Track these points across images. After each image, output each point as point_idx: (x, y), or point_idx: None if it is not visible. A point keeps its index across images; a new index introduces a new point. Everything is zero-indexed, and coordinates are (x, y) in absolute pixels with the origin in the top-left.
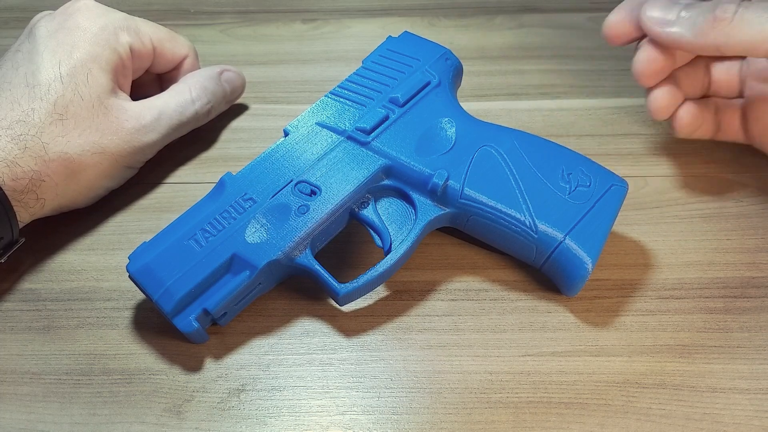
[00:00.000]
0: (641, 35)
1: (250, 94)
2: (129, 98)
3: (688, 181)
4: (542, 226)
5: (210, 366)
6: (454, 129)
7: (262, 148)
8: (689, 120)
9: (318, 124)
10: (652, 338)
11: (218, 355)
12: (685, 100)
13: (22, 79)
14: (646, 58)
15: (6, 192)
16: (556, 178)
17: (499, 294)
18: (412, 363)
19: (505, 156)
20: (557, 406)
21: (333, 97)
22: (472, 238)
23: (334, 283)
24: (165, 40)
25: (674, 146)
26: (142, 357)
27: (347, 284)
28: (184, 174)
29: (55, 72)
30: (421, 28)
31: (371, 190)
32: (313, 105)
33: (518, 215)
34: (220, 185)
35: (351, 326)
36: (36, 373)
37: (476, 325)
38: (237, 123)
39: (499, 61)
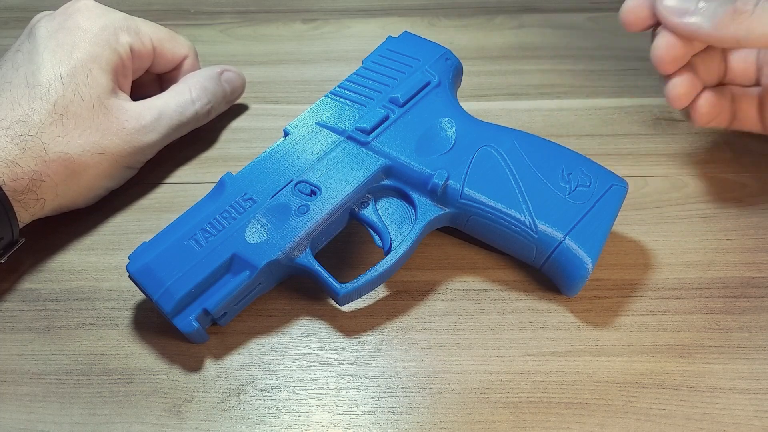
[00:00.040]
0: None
1: (250, 94)
2: (129, 98)
3: (688, 181)
4: (542, 226)
5: (210, 366)
6: (454, 129)
7: (262, 148)
8: (708, 109)
9: (318, 124)
10: (652, 338)
11: (218, 355)
12: (704, 88)
13: (23, 79)
14: (665, 44)
15: (6, 192)
16: (556, 178)
17: (499, 294)
18: (412, 363)
19: (505, 156)
20: (557, 406)
21: (333, 97)
22: (472, 238)
23: (334, 283)
24: (165, 40)
25: (674, 146)
26: (142, 357)
27: (347, 284)
28: (184, 174)
29: (56, 72)
30: (421, 28)
31: (371, 190)
32: (313, 105)
33: (518, 215)
34: (220, 185)
35: (351, 326)
36: (36, 373)
37: (476, 325)
38: (237, 123)
39: (499, 61)
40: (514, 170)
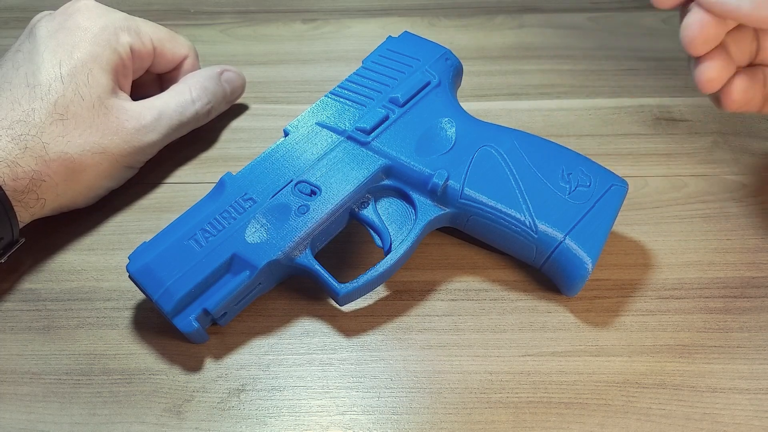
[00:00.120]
0: None
1: (250, 94)
2: (129, 98)
3: (688, 181)
4: (542, 226)
5: (210, 366)
6: (454, 129)
7: (262, 148)
8: (741, 95)
9: (318, 124)
10: (652, 338)
11: (218, 355)
12: (737, 71)
13: (23, 79)
14: (698, 23)
15: (6, 192)
16: (556, 178)
17: (499, 294)
18: (412, 363)
19: (505, 156)
20: (557, 406)
21: (333, 97)
22: (472, 238)
23: (334, 283)
24: (165, 40)
25: (674, 146)
26: (142, 357)
27: (347, 284)
28: (184, 174)
29: (56, 72)
30: (421, 28)
31: (371, 190)
32: (313, 105)
33: (518, 215)
34: (220, 185)
35: (351, 326)
36: (36, 373)
37: (476, 325)
38: (237, 123)
39: (499, 61)
40: (514, 170)
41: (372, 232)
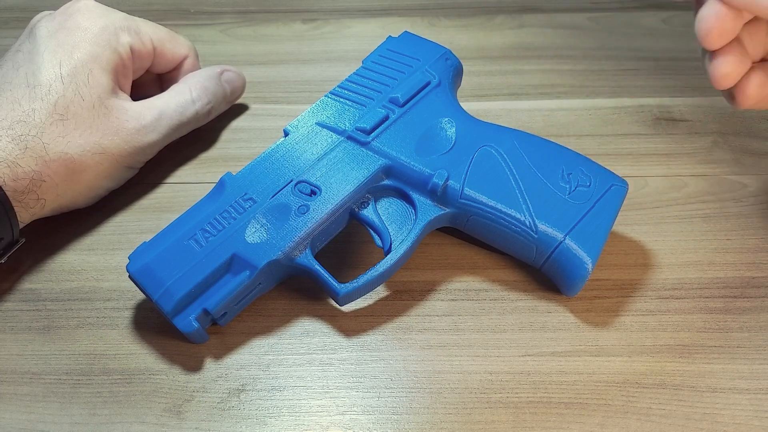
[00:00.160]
0: None
1: (250, 94)
2: (129, 98)
3: (688, 181)
4: (542, 226)
5: (210, 366)
6: (454, 129)
7: (262, 148)
8: (756, 90)
9: (318, 124)
10: (652, 338)
11: (218, 355)
12: (753, 67)
13: (23, 79)
14: (715, 13)
15: (6, 192)
16: (556, 178)
17: (499, 294)
18: (412, 363)
19: (505, 156)
20: (557, 406)
21: (333, 97)
22: (472, 238)
23: (334, 283)
24: (165, 40)
25: (674, 146)
26: (142, 357)
27: (347, 284)
28: (184, 174)
29: (56, 72)
30: (421, 28)
31: (371, 190)
32: (313, 105)
33: (518, 215)
34: (220, 185)
35: (351, 326)
36: (36, 373)
37: (476, 325)
38: (237, 123)
39: (499, 61)
40: (514, 170)
41: (372, 232)
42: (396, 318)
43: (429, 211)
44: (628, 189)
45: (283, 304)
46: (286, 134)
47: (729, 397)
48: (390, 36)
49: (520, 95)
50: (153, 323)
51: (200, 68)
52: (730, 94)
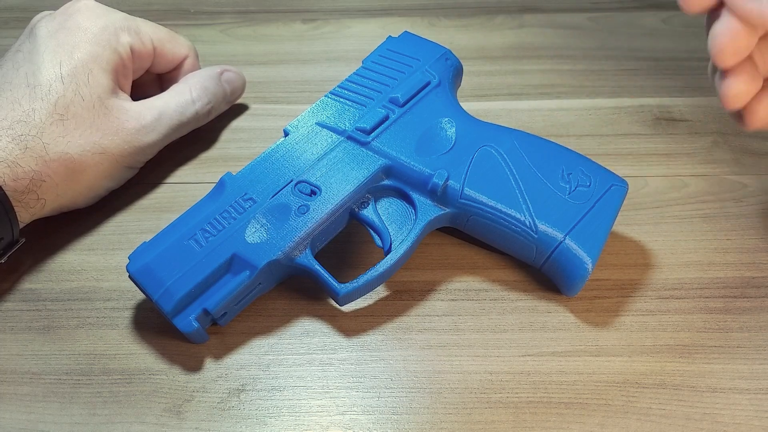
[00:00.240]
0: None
1: (250, 94)
2: (129, 98)
3: (688, 181)
4: (542, 226)
5: (210, 366)
6: (454, 129)
7: (262, 148)
8: (766, 113)
9: (318, 124)
10: (652, 338)
11: (218, 355)
12: (764, 86)
13: (23, 79)
14: (729, 31)
15: (7, 192)
16: (556, 178)
17: (499, 294)
18: (412, 363)
19: (505, 156)
20: (557, 406)
21: (333, 97)
22: (472, 238)
23: (334, 283)
24: (165, 41)
25: (674, 146)
26: (142, 357)
27: (347, 284)
28: (184, 174)
29: (56, 72)
30: (421, 28)
31: (371, 190)
32: (313, 105)
33: (518, 215)
34: (220, 185)
35: (351, 326)
36: (36, 373)
37: (476, 325)
38: (237, 123)
39: (499, 61)
40: (514, 170)
41: (372, 232)
42: (396, 318)
43: (429, 211)
44: (628, 189)
45: (283, 304)
46: (286, 134)
47: (729, 397)
48: (390, 36)
49: (520, 95)
50: (153, 323)
51: (200, 68)
52: (739, 114)
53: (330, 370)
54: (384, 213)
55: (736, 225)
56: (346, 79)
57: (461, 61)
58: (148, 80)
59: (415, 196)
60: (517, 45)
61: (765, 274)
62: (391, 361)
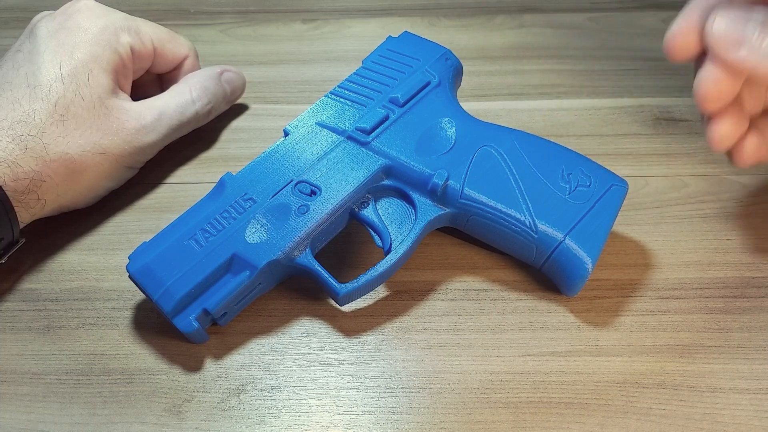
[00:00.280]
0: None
1: (250, 94)
2: (130, 98)
3: (688, 181)
4: (542, 226)
5: (210, 366)
6: (454, 129)
7: (262, 148)
8: (752, 153)
9: (318, 124)
10: (652, 338)
11: (218, 355)
12: (750, 127)
13: (23, 79)
14: (713, 79)
15: (7, 192)
16: (556, 178)
17: (499, 294)
18: (412, 363)
19: (505, 156)
20: (557, 406)
21: (333, 97)
22: (472, 238)
23: (334, 283)
24: (165, 41)
25: (674, 146)
26: (142, 357)
27: (347, 284)
28: (184, 174)
29: (56, 72)
30: (421, 28)
31: (371, 190)
32: (313, 105)
33: (518, 215)
34: (220, 185)
35: (351, 326)
36: (36, 373)
37: (476, 325)
38: (237, 123)
39: (499, 61)
40: (514, 170)
41: (372, 232)
42: (396, 318)
43: (429, 211)
44: (628, 189)
45: (283, 304)
46: (286, 134)
47: (729, 397)
48: (390, 36)
49: (520, 95)
50: (153, 323)
51: (200, 68)
52: (728, 153)
53: (330, 370)
54: (384, 213)
55: (736, 225)
56: (346, 79)
57: (461, 61)
58: (148, 80)
59: (415, 196)
60: (517, 45)
61: (765, 274)
62: (391, 361)
